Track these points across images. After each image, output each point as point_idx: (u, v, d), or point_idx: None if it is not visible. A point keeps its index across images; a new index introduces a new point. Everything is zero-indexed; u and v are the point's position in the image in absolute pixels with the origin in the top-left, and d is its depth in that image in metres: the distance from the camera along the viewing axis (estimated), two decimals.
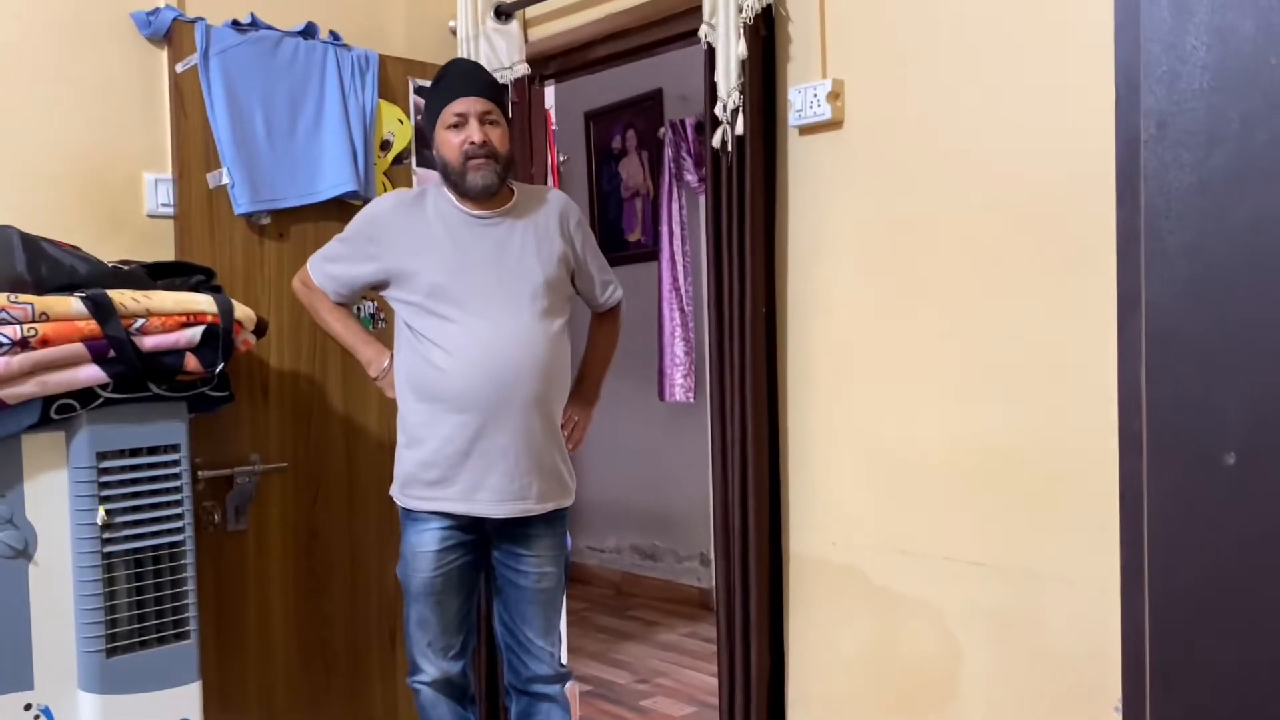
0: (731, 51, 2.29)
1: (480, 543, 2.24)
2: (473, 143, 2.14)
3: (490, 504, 2.16)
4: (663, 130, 4.50)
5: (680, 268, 4.43)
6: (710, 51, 2.35)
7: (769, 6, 2.30)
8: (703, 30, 2.36)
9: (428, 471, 2.17)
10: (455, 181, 2.18)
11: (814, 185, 2.32)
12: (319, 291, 2.28)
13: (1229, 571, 0.78)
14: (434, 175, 2.86)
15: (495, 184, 2.17)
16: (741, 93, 2.28)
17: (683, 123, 4.43)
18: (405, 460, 2.22)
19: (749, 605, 2.37)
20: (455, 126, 2.16)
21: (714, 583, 2.48)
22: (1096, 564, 1.88)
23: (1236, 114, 0.77)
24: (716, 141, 2.34)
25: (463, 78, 2.22)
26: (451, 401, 2.12)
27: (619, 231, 4.89)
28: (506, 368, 2.12)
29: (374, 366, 2.30)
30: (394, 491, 2.27)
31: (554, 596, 2.29)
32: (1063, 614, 1.95)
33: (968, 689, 2.10)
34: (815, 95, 2.25)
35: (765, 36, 2.32)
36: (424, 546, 2.19)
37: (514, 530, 2.22)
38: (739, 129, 2.29)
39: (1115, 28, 0.81)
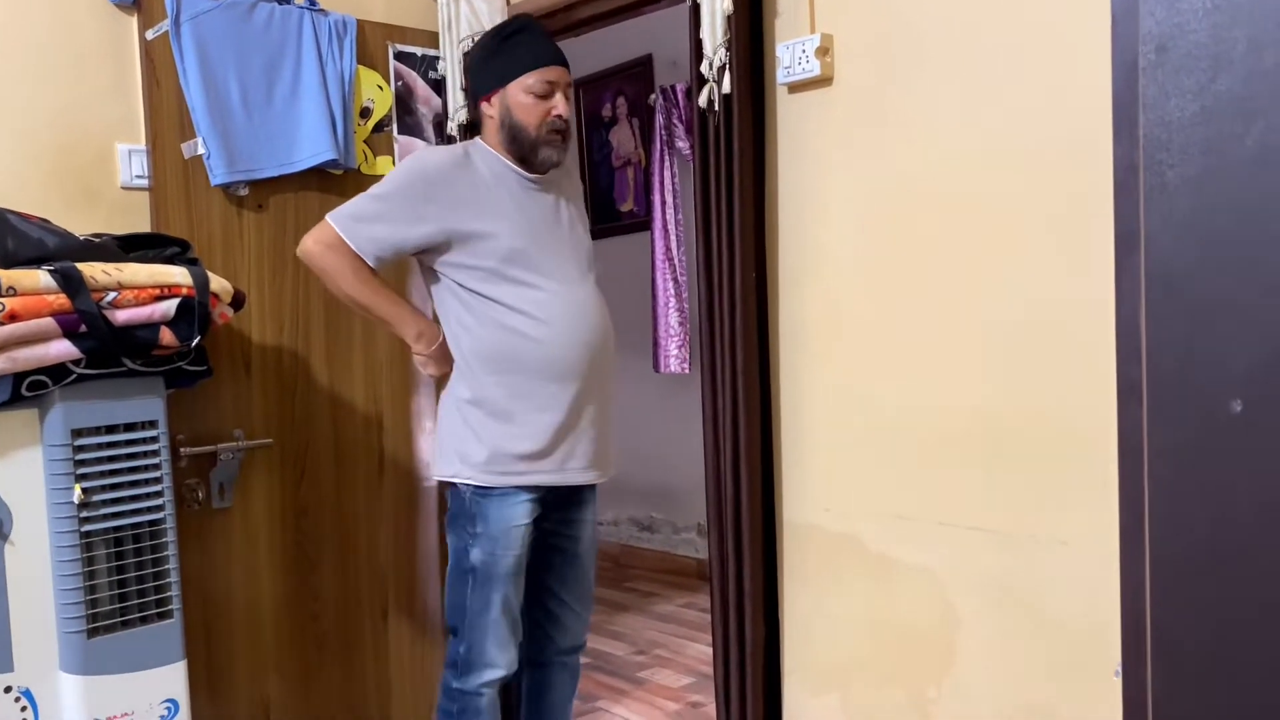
0: (717, 7, 2.22)
1: (541, 514, 2.17)
2: (559, 116, 2.09)
3: (580, 472, 2.14)
4: (653, 96, 4.42)
5: (673, 237, 4.37)
6: (695, 8, 2.28)
7: None
8: None
9: (523, 444, 2.06)
10: (524, 151, 2.11)
11: (804, 144, 2.26)
12: (349, 255, 2.04)
13: (1236, 527, 0.73)
14: (416, 143, 2.81)
15: (563, 161, 2.16)
16: (728, 50, 2.22)
17: (673, 88, 4.35)
18: (490, 436, 2.07)
19: (743, 575, 2.33)
20: (541, 95, 2.08)
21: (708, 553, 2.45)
22: (1096, 527, 1.84)
23: (1243, 35, 0.71)
24: (703, 101, 2.28)
25: (550, 43, 2.16)
26: (549, 371, 2.06)
27: (611, 202, 4.82)
28: (596, 334, 2.11)
29: (426, 340, 2.13)
30: (467, 471, 2.08)
31: (593, 562, 2.31)
32: (1062, 578, 1.91)
33: (965, 655, 2.07)
34: (804, 51, 2.18)
35: None
36: (518, 520, 2.08)
37: (572, 497, 2.22)
38: (726, 87, 2.23)
39: None
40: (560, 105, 2.10)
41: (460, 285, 2.08)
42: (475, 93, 2.20)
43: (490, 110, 2.14)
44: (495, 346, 2.07)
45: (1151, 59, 0.74)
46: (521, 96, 2.09)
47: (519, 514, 2.09)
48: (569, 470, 2.13)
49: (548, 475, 2.10)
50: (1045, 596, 1.94)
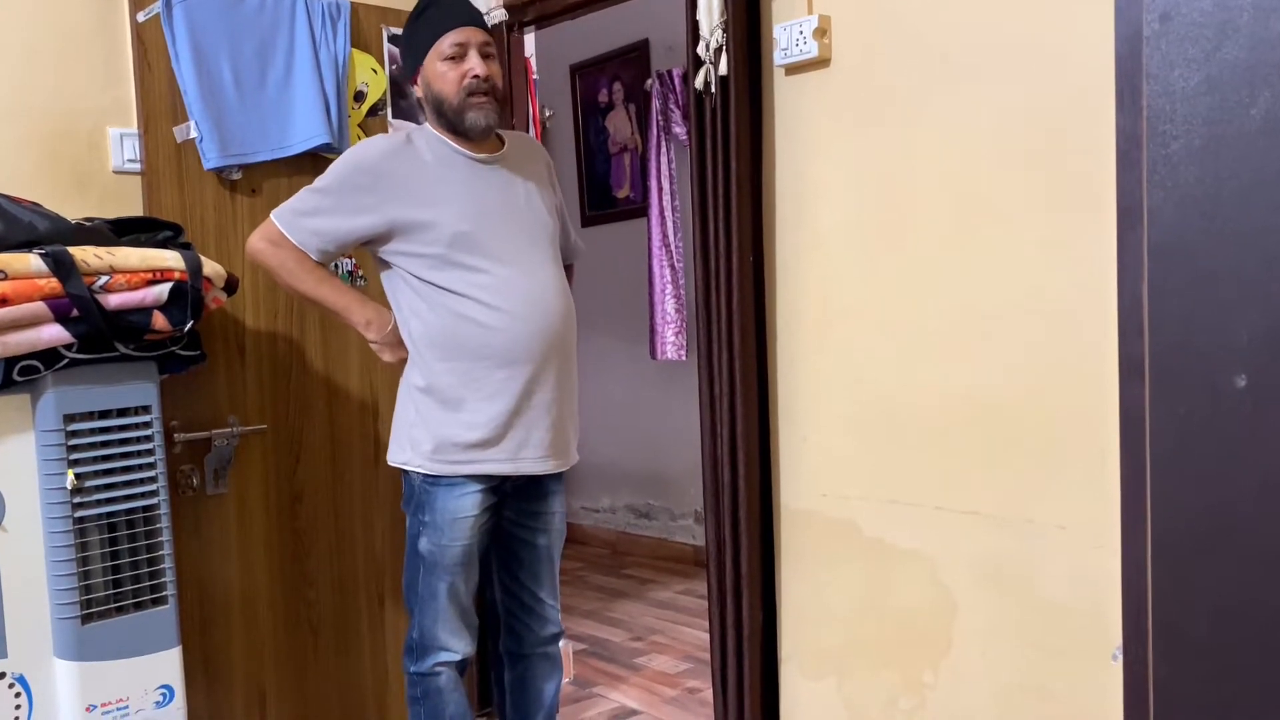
0: None
1: (498, 504, 2.14)
2: (475, 76, 2.01)
3: (535, 461, 2.08)
4: (650, 82, 4.40)
5: (670, 223, 4.35)
6: None
7: None
8: None
9: (470, 433, 2.03)
10: (452, 120, 2.04)
11: (801, 126, 2.24)
12: (293, 250, 2.04)
13: (1239, 503, 0.72)
14: (409, 126, 2.79)
15: (496, 124, 2.08)
16: (724, 31, 2.20)
17: (670, 74, 4.32)
18: (438, 424, 2.04)
19: (740, 560, 2.32)
20: (453, 59, 2.03)
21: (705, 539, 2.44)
22: (1094, 510, 1.83)
23: (1249, 2, 0.70)
24: (699, 83, 2.26)
25: (458, 5, 2.09)
26: (497, 357, 2.01)
27: (607, 188, 4.80)
28: (547, 318, 2.05)
29: (375, 328, 2.10)
30: (415, 459, 2.07)
31: (559, 553, 2.25)
32: (1059, 562, 1.91)
33: (962, 640, 2.06)
34: (801, 32, 2.17)
35: None
36: (464, 512, 2.05)
37: (534, 488, 2.16)
38: (722, 69, 2.21)
39: None
40: (475, 64, 2.02)
41: (410, 273, 2.05)
42: (406, 78, 2.17)
43: (418, 91, 2.12)
44: (444, 333, 2.03)
45: (1155, 28, 0.73)
46: (438, 65, 2.04)
47: (466, 505, 2.05)
48: (523, 460, 2.07)
49: (499, 464, 2.05)
50: (1042, 580, 1.94)
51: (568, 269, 2.32)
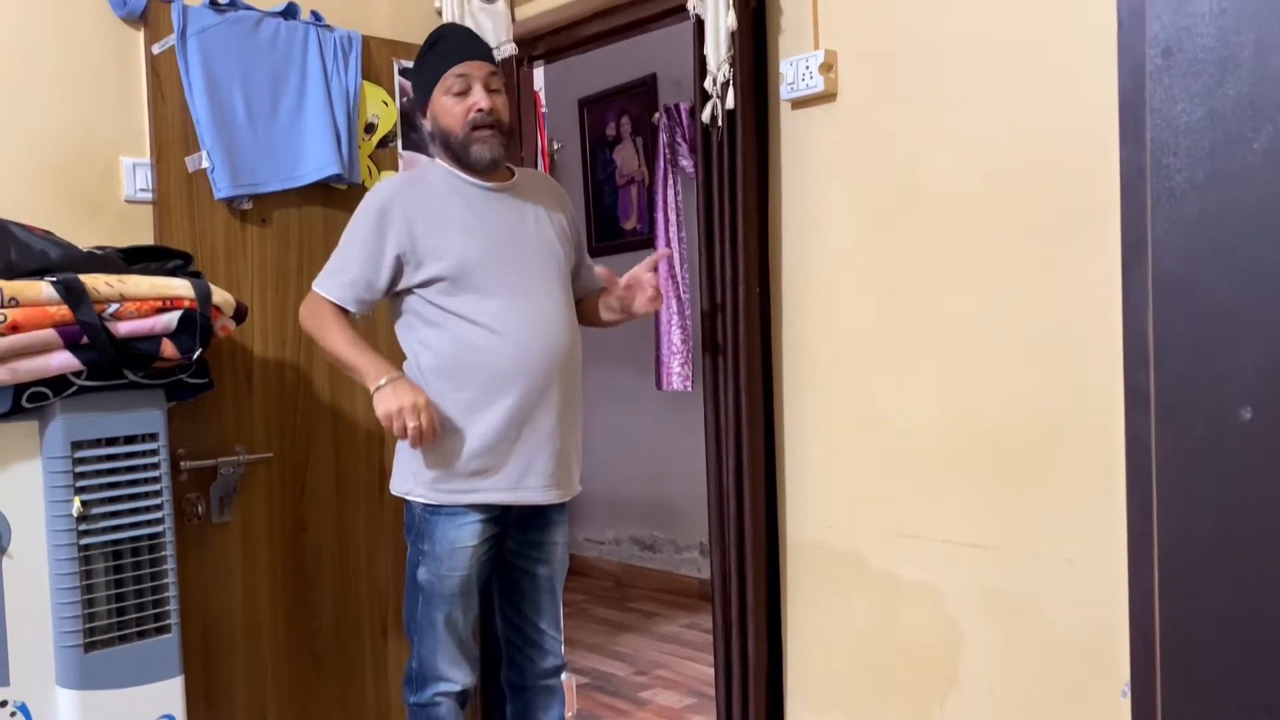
0: (721, 23, 2.23)
1: (499, 534, 2.13)
2: (480, 110, 2.04)
3: (537, 490, 2.07)
4: (657, 115, 4.43)
5: (676, 255, 4.37)
6: (699, 24, 2.29)
7: None
8: (691, 2, 2.30)
9: (471, 462, 2.02)
10: (457, 153, 2.07)
11: (807, 159, 2.26)
12: (329, 311, 2.06)
13: (1246, 537, 0.72)
14: (421, 158, 2.81)
15: (502, 157, 2.09)
16: (731, 65, 2.22)
17: (677, 107, 4.36)
18: (438, 452, 2.03)
19: (745, 592, 2.31)
20: (458, 93, 2.05)
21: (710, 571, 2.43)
22: (1100, 543, 1.82)
23: (1250, 39, 0.71)
24: (706, 116, 2.28)
25: (463, 40, 2.13)
26: (498, 384, 2.01)
27: (614, 219, 4.83)
28: (550, 345, 2.05)
29: (372, 379, 1.99)
30: (417, 489, 2.06)
31: (561, 584, 2.24)
32: (1066, 595, 1.89)
33: (969, 674, 2.05)
34: (807, 67, 2.19)
35: (755, 8, 2.26)
36: (463, 542, 2.04)
37: (536, 518, 2.15)
38: (729, 103, 2.23)
39: None
40: (479, 98, 2.04)
41: (421, 299, 2.06)
42: (417, 112, 2.21)
43: (427, 124, 2.15)
44: (454, 359, 2.03)
45: (1158, 63, 0.74)
46: (443, 100, 2.07)
47: (466, 534, 2.05)
48: (525, 489, 2.06)
49: (500, 494, 2.05)
50: (1049, 614, 1.92)
51: (602, 291, 2.30)
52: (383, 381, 1.98)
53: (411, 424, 1.95)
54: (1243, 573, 0.73)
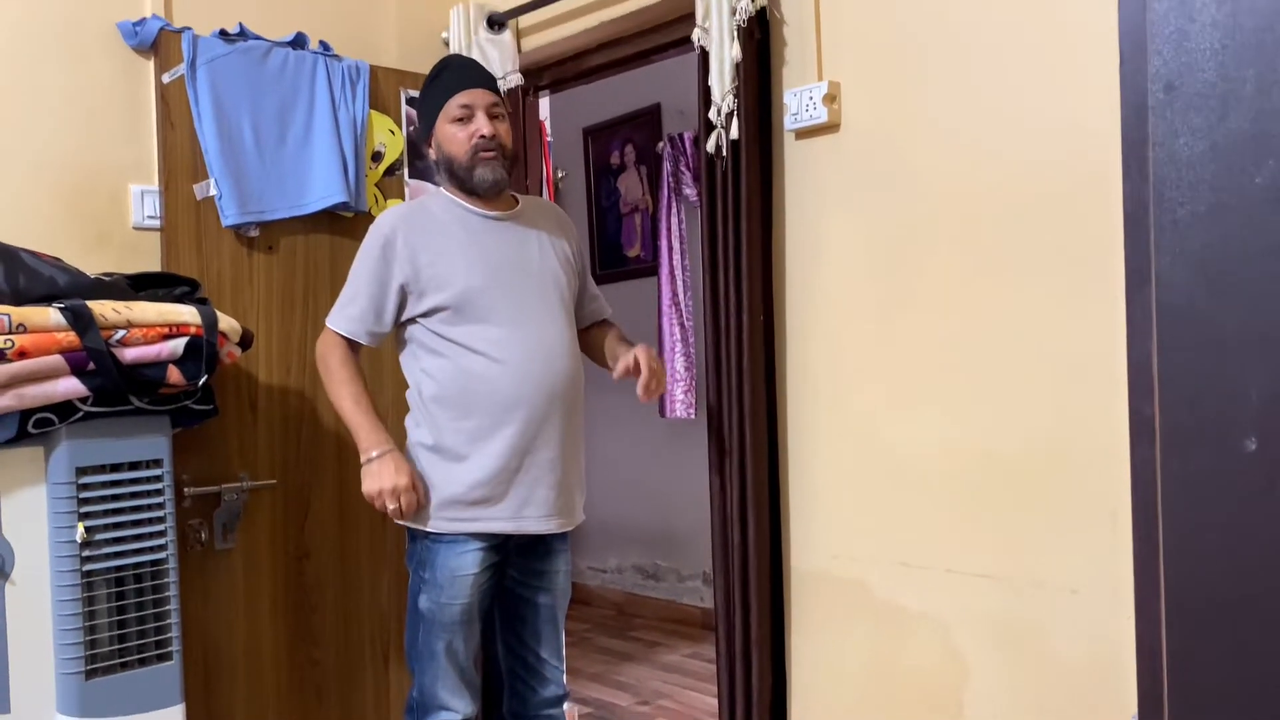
0: (725, 55, 2.25)
1: (501, 562, 2.13)
2: (482, 135, 2.06)
3: (539, 520, 2.07)
4: (661, 145, 4.46)
5: (680, 282, 4.38)
6: (704, 55, 2.31)
7: (763, 9, 2.27)
8: (696, 34, 2.33)
9: (473, 491, 2.03)
10: (462, 177, 2.09)
11: (811, 189, 2.27)
12: (339, 356, 2.08)
13: (1255, 570, 0.72)
14: (427, 186, 2.84)
15: (505, 180, 2.12)
16: (736, 96, 2.24)
17: (681, 137, 4.39)
18: (442, 481, 2.04)
19: (749, 622, 2.30)
20: (461, 120, 2.08)
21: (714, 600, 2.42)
22: (1105, 573, 1.82)
23: (1252, 74, 0.72)
24: (711, 146, 2.30)
25: (466, 69, 2.16)
26: (500, 413, 2.02)
27: (618, 247, 4.85)
28: (551, 372, 2.06)
29: (363, 449, 2.04)
30: (419, 517, 2.07)
31: (564, 613, 2.24)
32: (1071, 626, 1.88)
33: (974, 705, 2.03)
34: (811, 98, 2.21)
35: (759, 39, 2.28)
36: (465, 570, 2.04)
37: (538, 546, 2.15)
38: (733, 133, 2.25)
39: None
40: (482, 124, 2.07)
41: (424, 328, 2.08)
42: (422, 141, 2.23)
43: (432, 153, 2.17)
44: (456, 388, 2.04)
45: (1160, 98, 0.75)
46: (447, 128, 2.10)
47: (467, 563, 2.04)
48: (526, 518, 2.06)
49: (501, 523, 2.05)
50: (1055, 645, 1.91)
51: (605, 324, 2.33)
52: (373, 454, 2.04)
53: (391, 507, 2.03)
54: (1251, 603, 0.73)
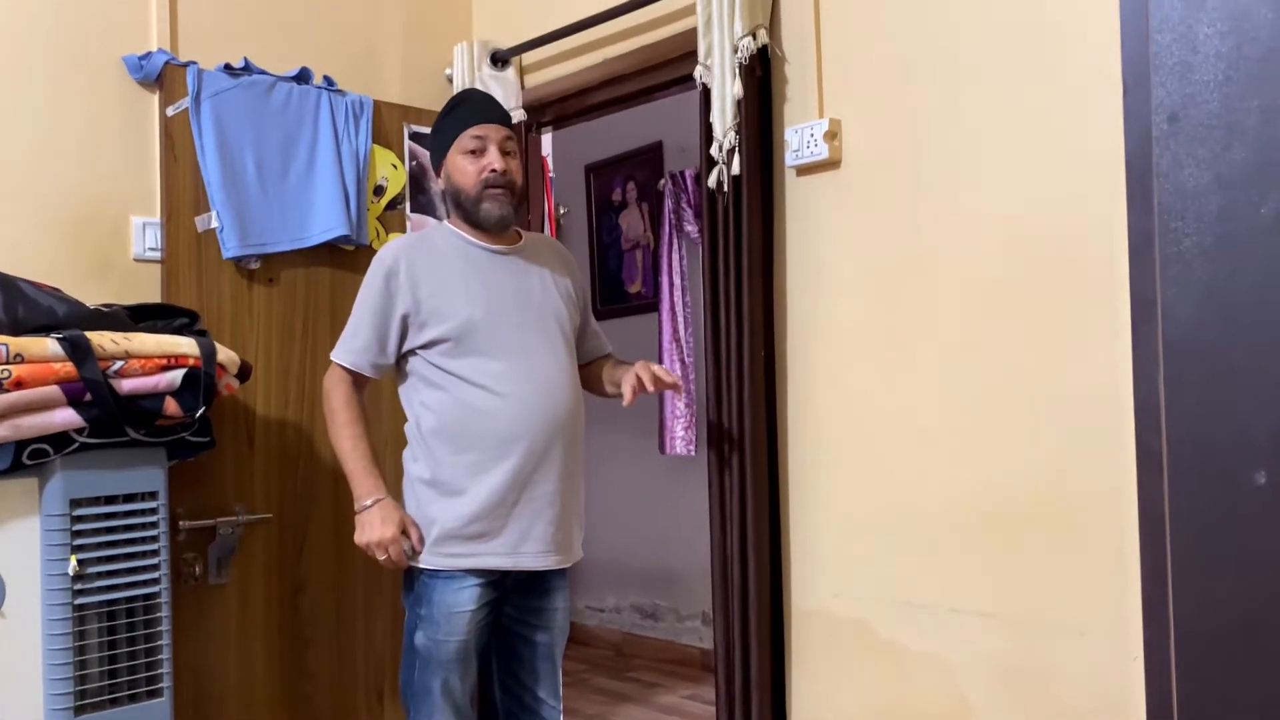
0: (727, 91, 2.26)
1: (498, 599, 2.11)
2: (493, 170, 2.07)
3: (536, 556, 2.05)
4: (663, 182, 4.48)
5: (681, 318, 4.38)
6: (705, 92, 2.33)
7: (765, 47, 2.28)
8: (698, 71, 2.34)
9: (470, 525, 2.01)
10: (468, 210, 2.09)
11: (812, 226, 2.27)
12: (342, 395, 2.07)
13: (1264, 604, 0.70)
14: (429, 221, 2.84)
15: (510, 217, 2.12)
16: (737, 133, 2.25)
17: (682, 174, 4.41)
18: (440, 516, 2.03)
19: (749, 662, 2.27)
20: (473, 153, 2.08)
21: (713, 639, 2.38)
22: (1112, 613, 1.79)
23: (1256, 105, 0.71)
24: (713, 182, 2.30)
25: (482, 103, 2.17)
26: (499, 447, 2.00)
27: (619, 283, 4.85)
28: (552, 408, 2.04)
29: (357, 496, 2.05)
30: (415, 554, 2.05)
31: (561, 652, 2.20)
32: (1077, 666, 1.85)
33: None
34: (812, 135, 2.22)
35: (761, 77, 2.29)
36: (461, 607, 2.02)
37: (535, 583, 2.12)
38: (735, 169, 2.25)
39: (1121, 18, 0.76)
40: (494, 159, 2.07)
41: (424, 361, 2.07)
42: (432, 171, 2.24)
43: (440, 184, 2.18)
44: (455, 422, 2.03)
45: (1164, 128, 0.74)
46: (458, 160, 2.10)
47: (464, 599, 2.02)
48: (523, 554, 2.04)
49: (498, 559, 2.03)
50: (1060, 686, 1.88)
51: (607, 357, 2.32)
52: (366, 504, 2.04)
53: (380, 558, 2.03)
54: (1263, 643, 0.71)
